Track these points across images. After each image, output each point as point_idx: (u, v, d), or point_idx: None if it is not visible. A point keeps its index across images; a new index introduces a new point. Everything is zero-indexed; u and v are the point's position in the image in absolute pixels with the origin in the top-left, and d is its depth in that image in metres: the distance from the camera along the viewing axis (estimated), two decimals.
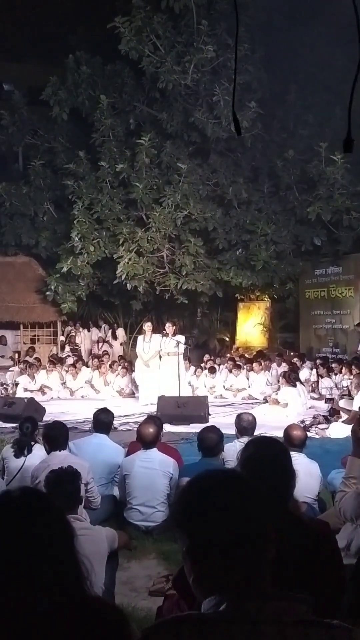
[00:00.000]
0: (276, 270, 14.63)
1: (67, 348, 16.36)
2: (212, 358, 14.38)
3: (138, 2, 13.36)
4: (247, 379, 12.79)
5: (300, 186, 14.27)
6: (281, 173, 14.30)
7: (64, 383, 13.25)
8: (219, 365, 13.63)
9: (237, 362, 13.43)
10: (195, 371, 13.14)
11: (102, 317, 17.90)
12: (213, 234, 14.48)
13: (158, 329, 13.09)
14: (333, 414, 9.43)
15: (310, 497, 4.61)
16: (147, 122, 15.06)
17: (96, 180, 14.48)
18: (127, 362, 14.08)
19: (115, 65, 15.15)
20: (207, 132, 13.85)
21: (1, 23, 17.13)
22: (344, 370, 11.70)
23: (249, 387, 12.64)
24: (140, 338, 12.10)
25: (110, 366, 13.56)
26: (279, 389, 10.96)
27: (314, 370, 12.59)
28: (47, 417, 9.01)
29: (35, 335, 17.08)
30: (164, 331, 11.68)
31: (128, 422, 9.46)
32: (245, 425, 5.39)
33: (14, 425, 7.68)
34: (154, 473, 4.98)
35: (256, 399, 12.04)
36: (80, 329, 17.17)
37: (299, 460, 4.51)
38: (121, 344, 16.50)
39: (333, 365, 12.38)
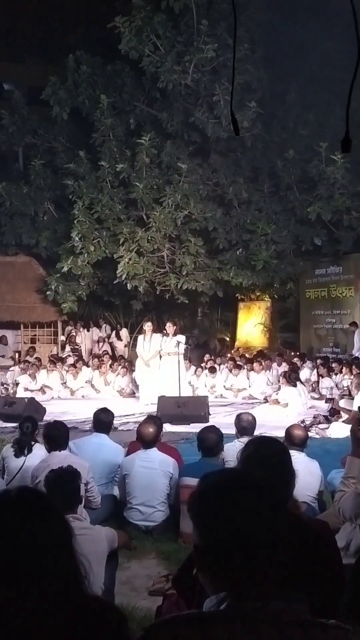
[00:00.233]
0: (276, 270, 14.63)
1: (68, 348, 16.36)
2: (213, 358, 14.38)
3: (138, 2, 13.37)
4: (248, 378, 12.78)
5: (301, 186, 14.27)
6: (281, 173, 14.31)
7: (65, 383, 13.25)
8: (219, 365, 13.63)
9: (238, 362, 13.43)
10: (195, 371, 13.14)
11: (103, 317, 17.91)
12: (213, 233, 14.48)
13: (158, 328, 13.09)
14: (333, 413, 9.43)
15: (310, 496, 4.61)
16: (148, 122, 15.07)
17: (96, 180, 14.49)
18: (128, 361, 14.08)
19: (115, 65, 15.15)
20: (207, 131, 13.86)
21: (2, 23, 17.13)
22: (344, 370, 11.70)
23: (249, 386, 12.63)
24: (140, 338, 12.10)
25: (111, 366, 13.56)
26: (279, 388, 10.96)
27: (315, 370, 12.59)
28: (48, 417, 9.01)
29: (35, 335, 17.08)
30: (165, 331, 11.68)
31: (128, 422, 9.46)
32: (245, 425, 5.39)
33: (14, 424, 7.68)
34: (154, 473, 4.98)
35: (256, 398, 12.03)
36: (81, 329, 17.17)
37: (299, 460, 4.51)
38: (125, 345, 16.45)
39: (333, 365, 12.38)
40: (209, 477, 1.40)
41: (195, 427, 6.87)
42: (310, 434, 6.35)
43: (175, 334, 11.49)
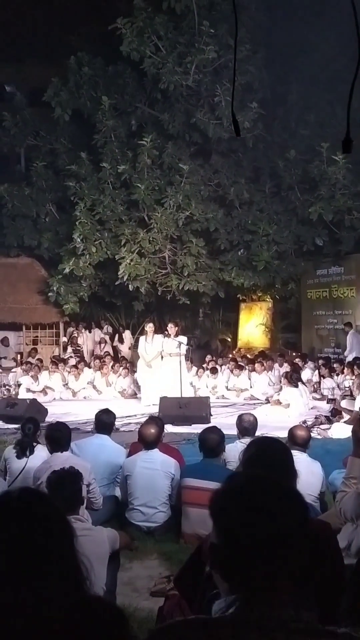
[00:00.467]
0: (278, 270, 14.63)
1: (70, 349, 16.37)
2: (214, 358, 14.38)
3: (139, 3, 13.38)
4: (249, 379, 12.78)
5: (302, 186, 14.27)
6: (283, 173, 14.31)
7: (66, 384, 13.26)
8: (220, 365, 13.63)
9: (239, 363, 13.43)
10: (197, 372, 13.14)
11: (105, 318, 17.92)
12: (215, 234, 14.49)
13: (160, 329, 13.10)
14: (335, 414, 9.43)
15: (312, 495, 4.61)
16: (149, 123, 15.08)
17: (98, 182, 14.50)
18: (129, 362, 14.09)
19: (116, 66, 15.16)
20: (208, 132, 13.87)
21: (3, 24, 17.15)
22: (345, 370, 11.69)
23: (251, 387, 12.63)
24: (142, 339, 12.10)
25: (112, 367, 13.57)
26: (280, 389, 10.95)
27: (316, 371, 12.58)
28: (50, 418, 9.02)
29: (37, 337, 17.09)
30: (166, 332, 11.69)
31: (130, 423, 9.46)
32: (246, 425, 5.39)
33: (16, 426, 7.69)
34: (156, 474, 4.99)
35: (258, 399, 12.03)
36: (83, 330, 17.18)
37: (301, 460, 4.51)
38: (130, 348, 16.40)
39: (335, 365, 12.38)
40: (235, 478, 1.40)
41: (197, 428, 6.88)
42: (311, 434, 6.35)
43: (176, 335, 11.49)
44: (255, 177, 15.10)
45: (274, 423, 8.41)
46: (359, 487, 2.92)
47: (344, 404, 9.78)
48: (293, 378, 10.51)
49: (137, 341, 14.35)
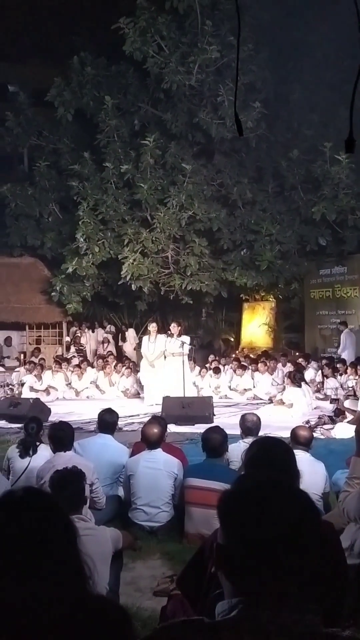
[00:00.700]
0: (281, 270, 14.62)
1: (73, 349, 16.39)
2: (217, 358, 14.38)
3: (142, 3, 13.38)
4: (252, 379, 12.77)
5: (305, 186, 14.25)
6: (286, 173, 14.29)
7: (69, 383, 13.28)
8: (223, 365, 13.62)
9: (242, 363, 13.42)
10: (200, 371, 13.14)
11: (107, 318, 17.93)
12: (218, 234, 14.48)
13: (163, 329, 13.10)
14: (338, 414, 9.42)
15: (315, 494, 4.60)
16: (152, 123, 15.09)
17: (101, 181, 14.51)
18: (132, 362, 14.10)
19: (119, 66, 15.17)
20: (211, 132, 13.87)
21: (6, 25, 17.17)
22: (349, 370, 11.67)
23: (254, 387, 12.62)
24: (145, 338, 12.11)
25: (115, 367, 13.58)
26: (284, 389, 10.94)
27: (319, 371, 12.56)
28: (53, 418, 9.02)
29: (40, 336, 17.12)
30: (169, 332, 11.69)
31: (133, 423, 9.46)
32: (249, 425, 5.39)
33: (19, 425, 7.70)
34: (159, 473, 4.99)
35: (261, 399, 12.02)
36: (86, 330, 17.19)
37: (305, 460, 4.51)
38: (135, 349, 16.36)
39: (338, 365, 12.35)
40: (245, 480, 1.38)
41: (200, 428, 6.88)
42: (315, 434, 6.34)
43: (179, 335, 11.50)
44: (258, 176, 15.09)
45: (277, 423, 8.40)
46: None
47: (347, 404, 9.76)
48: (296, 378, 10.49)
49: (140, 341, 14.37)
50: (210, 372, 12.98)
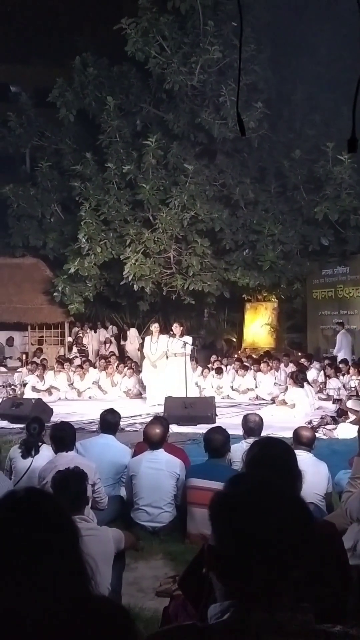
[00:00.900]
0: (283, 270, 14.61)
1: (75, 349, 16.39)
2: (219, 359, 14.37)
3: (144, 4, 13.39)
4: (255, 379, 12.76)
5: (308, 186, 14.24)
6: (288, 173, 14.28)
7: (72, 384, 13.28)
8: (226, 366, 13.61)
9: (244, 363, 13.41)
10: (202, 372, 13.13)
11: (110, 318, 17.93)
12: (220, 234, 14.48)
13: (165, 329, 13.10)
14: (341, 414, 9.40)
15: (318, 495, 4.59)
16: (154, 123, 15.09)
17: (103, 182, 14.52)
18: (134, 362, 14.09)
19: (121, 67, 15.19)
20: (213, 132, 13.87)
21: (8, 25, 17.20)
22: (351, 370, 11.66)
23: (256, 387, 12.62)
24: (147, 339, 12.11)
25: (117, 367, 13.58)
26: (286, 389, 10.93)
27: (322, 371, 12.55)
28: (55, 418, 9.02)
29: (42, 337, 17.12)
30: (171, 332, 11.68)
31: (135, 423, 9.46)
32: (252, 425, 5.38)
33: (21, 426, 7.70)
34: (161, 474, 4.98)
35: (264, 399, 12.01)
36: (88, 330, 17.20)
37: (307, 460, 4.50)
38: (138, 349, 16.31)
39: (341, 365, 12.35)
40: (237, 480, 1.38)
41: (202, 428, 6.87)
42: (317, 434, 6.34)
43: (182, 335, 11.49)
44: (261, 177, 15.08)
45: (280, 423, 8.40)
46: None
47: (349, 404, 9.75)
48: (299, 378, 10.48)
49: (144, 341, 14.37)
50: (213, 372, 12.97)
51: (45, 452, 5.13)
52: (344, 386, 11.48)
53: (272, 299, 17.33)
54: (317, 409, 10.56)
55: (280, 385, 12.34)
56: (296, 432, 4.86)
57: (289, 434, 5.07)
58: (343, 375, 11.88)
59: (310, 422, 8.81)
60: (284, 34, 13.56)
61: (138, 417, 10.12)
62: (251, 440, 4.83)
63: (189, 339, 11.57)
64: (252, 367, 13.05)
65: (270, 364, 12.93)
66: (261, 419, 5.56)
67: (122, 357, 15.55)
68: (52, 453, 4.87)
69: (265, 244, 14.19)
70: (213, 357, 14.41)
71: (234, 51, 13.16)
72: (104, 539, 3.22)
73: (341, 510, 3.21)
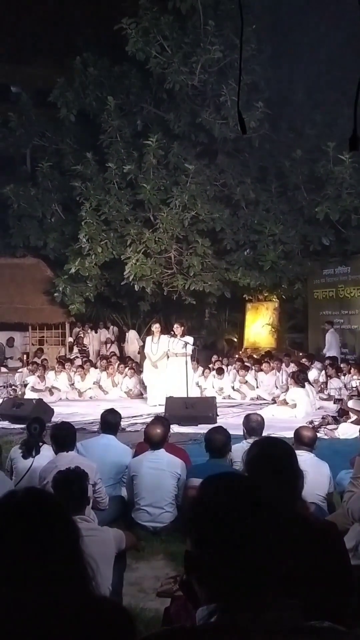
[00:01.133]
0: (284, 270, 14.60)
1: (76, 349, 16.39)
2: (220, 359, 14.36)
3: (145, 4, 13.40)
4: (256, 380, 12.76)
5: (308, 186, 14.23)
6: (289, 173, 14.27)
7: (72, 384, 13.28)
8: (227, 366, 13.60)
9: (245, 364, 13.39)
10: (203, 372, 13.12)
11: (110, 319, 17.93)
12: (221, 234, 14.47)
13: (166, 330, 13.10)
14: (342, 414, 9.38)
15: (319, 495, 4.59)
16: (155, 123, 15.09)
17: (104, 182, 14.52)
18: (135, 363, 14.09)
19: (122, 67, 15.19)
20: (214, 132, 13.87)
21: (8, 26, 17.20)
22: (352, 370, 11.65)
23: (257, 387, 12.61)
24: (148, 339, 12.10)
25: (118, 367, 13.58)
26: (287, 389, 10.92)
27: (323, 371, 12.54)
28: (56, 418, 9.02)
29: (43, 337, 17.13)
30: (172, 332, 11.68)
31: (136, 423, 9.45)
32: (254, 425, 5.37)
33: (22, 426, 7.70)
34: (162, 474, 4.98)
35: (265, 399, 12.00)
36: (89, 330, 17.20)
37: (309, 460, 4.50)
38: (138, 352, 16.29)
39: (342, 365, 12.34)
40: (208, 484, 1.37)
41: (203, 428, 6.86)
42: (318, 434, 6.33)
43: (182, 335, 11.48)
44: (262, 176, 15.07)
45: (281, 423, 8.38)
46: None
47: (351, 404, 9.72)
48: (300, 378, 10.47)
49: (144, 342, 14.37)
50: (214, 372, 12.95)
51: (46, 452, 5.12)
52: (345, 386, 11.46)
53: (273, 299, 17.32)
54: (318, 408, 10.56)
55: (281, 385, 12.33)
56: (297, 432, 4.85)
57: (290, 434, 5.06)
58: (344, 375, 11.87)
59: (311, 422, 8.79)
60: (284, 33, 13.55)
61: (139, 417, 10.11)
62: (252, 440, 4.82)
63: (190, 339, 11.56)
64: (253, 368, 13.04)
65: (272, 364, 12.93)
66: (263, 418, 5.57)
67: (122, 357, 15.55)
68: (53, 453, 4.87)
69: (266, 243, 14.18)
70: (214, 357, 14.41)
71: (235, 51, 13.15)
72: (105, 539, 3.22)
73: (343, 510, 3.20)
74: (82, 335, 16.91)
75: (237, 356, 14.98)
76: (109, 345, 16.80)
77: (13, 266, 17.14)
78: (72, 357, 15.26)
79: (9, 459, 5.44)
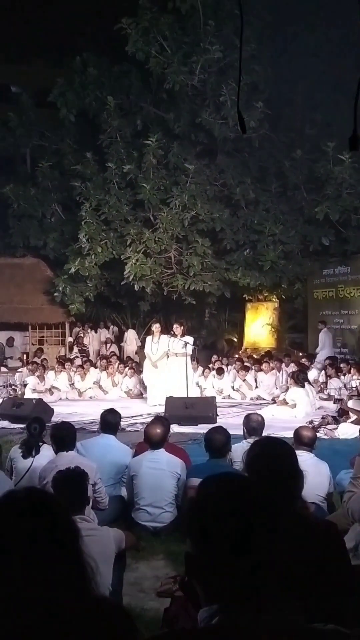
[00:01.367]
0: (284, 270, 14.60)
1: (75, 349, 16.39)
2: (220, 359, 14.35)
3: (145, 3, 13.40)
4: (255, 380, 12.76)
5: (308, 186, 14.22)
6: (289, 173, 14.27)
7: (72, 384, 13.27)
8: (227, 366, 13.60)
9: (245, 364, 13.38)
10: (203, 372, 13.12)
11: (110, 318, 17.93)
12: (220, 234, 14.47)
13: (166, 329, 13.10)
14: (342, 414, 9.38)
15: (319, 496, 4.58)
16: (154, 123, 15.08)
17: (103, 182, 14.52)
18: (135, 362, 14.09)
19: (122, 67, 15.19)
20: (214, 132, 13.87)
21: (8, 26, 17.20)
22: (352, 370, 11.64)
23: (257, 387, 12.60)
24: (148, 339, 12.10)
25: (117, 367, 13.57)
26: (287, 389, 10.92)
27: (323, 371, 12.54)
28: (56, 418, 9.01)
29: (43, 337, 17.12)
30: (172, 332, 11.67)
31: (136, 423, 9.45)
32: (254, 425, 5.37)
33: (22, 426, 7.69)
34: (162, 474, 4.98)
35: (264, 399, 12.00)
36: (89, 330, 17.19)
37: (308, 460, 4.50)
38: (136, 353, 16.29)
39: (342, 365, 12.33)
40: (206, 484, 1.37)
41: (203, 428, 6.86)
42: (318, 434, 6.33)
43: (182, 335, 11.47)
44: (261, 176, 15.06)
45: (281, 423, 8.38)
46: None
47: (350, 404, 9.72)
48: (299, 378, 10.47)
49: (142, 342, 14.38)
50: (214, 372, 12.95)
51: (46, 452, 5.12)
52: (344, 386, 11.46)
53: (273, 299, 17.32)
54: (318, 408, 10.55)
55: (281, 385, 12.32)
56: (297, 432, 4.85)
57: (289, 434, 5.06)
58: (344, 375, 11.87)
59: (311, 422, 8.79)
60: (284, 33, 13.56)
61: (139, 417, 10.10)
62: (252, 440, 4.82)
63: (189, 339, 11.56)
64: (253, 368, 13.04)
65: (272, 364, 12.93)
66: (263, 418, 5.57)
67: (122, 357, 15.55)
68: (53, 453, 4.86)
69: (266, 243, 14.18)
70: (214, 357, 14.41)
71: (235, 51, 13.14)
72: (105, 539, 3.22)
73: (343, 510, 3.20)
74: (82, 335, 16.91)
75: (237, 356, 14.97)
76: (109, 345, 16.80)
77: (13, 266, 17.14)
78: (72, 357, 15.25)
79: (9, 459, 5.44)
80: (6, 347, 16.48)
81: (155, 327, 12.04)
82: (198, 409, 9.43)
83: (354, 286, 14.55)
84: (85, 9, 16.51)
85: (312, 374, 12.44)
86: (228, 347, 17.35)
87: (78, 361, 14.43)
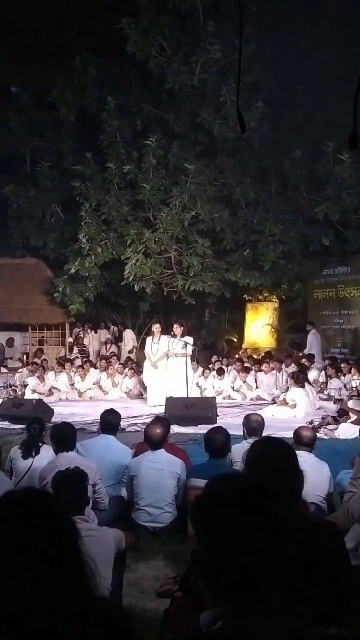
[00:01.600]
0: (284, 270, 14.60)
1: (75, 349, 16.39)
2: (220, 359, 14.35)
3: (144, 3, 13.39)
4: (255, 380, 12.75)
5: (308, 186, 14.22)
6: (289, 173, 14.26)
7: (72, 384, 13.27)
8: (227, 366, 13.59)
9: (245, 364, 13.38)
10: (203, 372, 13.11)
11: (110, 319, 17.93)
12: (220, 234, 14.47)
13: (166, 330, 13.09)
14: (342, 414, 9.38)
15: (319, 496, 4.58)
16: (154, 123, 15.08)
17: (103, 182, 14.51)
18: (135, 363, 14.09)
19: (121, 67, 15.20)
20: (214, 132, 13.87)
21: (8, 26, 17.18)
22: (352, 370, 11.64)
23: (256, 387, 12.60)
24: (148, 339, 12.10)
25: (117, 367, 13.57)
26: (287, 389, 10.92)
27: (323, 371, 12.54)
28: (56, 419, 9.02)
29: (43, 337, 17.12)
30: (172, 332, 11.67)
31: (136, 423, 9.45)
32: (254, 425, 5.37)
33: (22, 426, 7.69)
34: (162, 474, 4.98)
35: (264, 399, 12.00)
36: (89, 331, 17.19)
37: (308, 460, 4.49)
38: (130, 352, 16.28)
39: (342, 365, 12.33)
40: (215, 483, 1.36)
41: (203, 428, 6.86)
42: (318, 434, 6.33)
43: (182, 335, 11.47)
44: (261, 176, 15.06)
45: (281, 423, 8.38)
46: None
47: (350, 404, 9.72)
48: (299, 378, 10.47)
49: (142, 342, 14.37)
50: (214, 372, 12.95)
51: (46, 452, 5.12)
52: (344, 386, 11.46)
53: (273, 299, 17.31)
54: (318, 409, 10.55)
55: (281, 385, 12.32)
56: (297, 432, 4.85)
57: (289, 434, 5.06)
58: (344, 375, 11.87)
59: (311, 422, 8.79)
60: (284, 33, 13.54)
61: (139, 417, 10.10)
62: (252, 440, 4.81)
63: (189, 340, 11.56)
64: (253, 368, 13.04)
65: (272, 364, 12.93)
66: (263, 419, 5.57)
67: (120, 357, 15.56)
68: (53, 453, 4.86)
69: (266, 244, 14.18)
70: (214, 358, 14.40)
71: (234, 51, 13.14)
72: (105, 539, 3.21)
73: (343, 510, 3.19)
74: (82, 335, 16.91)
75: (237, 356, 14.97)
76: (108, 346, 16.80)
77: (13, 266, 17.14)
78: (72, 358, 15.26)
79: (9, 459, 5.44)
80: (6, 347, 16.47)
81: (155, 328, 12.04)
82: (198, 409, 9.43)
83: (354, 286, 14.55)
84: (85, 9, 16.49)
85: (312, 374, 12.43)
86: (228, 348, 17.35)
87: (78, 362, 14.43)
